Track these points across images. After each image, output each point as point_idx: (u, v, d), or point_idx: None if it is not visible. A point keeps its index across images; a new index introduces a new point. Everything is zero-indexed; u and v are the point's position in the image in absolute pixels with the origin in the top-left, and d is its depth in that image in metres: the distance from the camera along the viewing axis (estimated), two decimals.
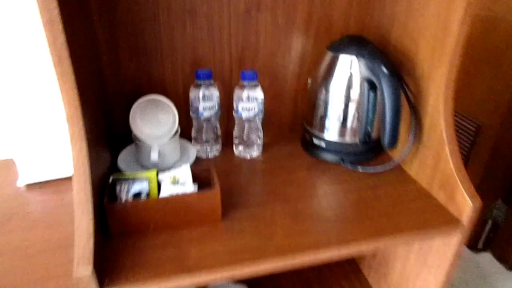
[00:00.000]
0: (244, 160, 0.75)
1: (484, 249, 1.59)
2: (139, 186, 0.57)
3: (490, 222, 1.52)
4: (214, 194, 0.56)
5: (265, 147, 0.78)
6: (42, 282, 0.50)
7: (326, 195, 0.66)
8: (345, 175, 0.71)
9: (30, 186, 0.68)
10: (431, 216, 0.61)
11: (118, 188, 0.57)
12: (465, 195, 0.59)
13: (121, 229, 0.55)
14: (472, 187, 0.60)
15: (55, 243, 0.56)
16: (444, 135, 0.63)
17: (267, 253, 0.52)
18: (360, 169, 0.71)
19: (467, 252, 1.59)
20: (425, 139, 0.67)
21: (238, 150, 0.75)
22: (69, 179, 0.70)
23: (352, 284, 0.92)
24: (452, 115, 0.63)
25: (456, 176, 0.60)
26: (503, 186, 1.49)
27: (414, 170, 0.70)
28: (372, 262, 0.91)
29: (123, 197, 0.56)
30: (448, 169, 0.62)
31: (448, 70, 0.61)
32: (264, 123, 0.76)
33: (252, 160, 0.75)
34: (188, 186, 0.57)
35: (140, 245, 0.53)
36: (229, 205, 0.61)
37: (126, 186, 0.57)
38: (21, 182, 0.68)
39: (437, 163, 0.64)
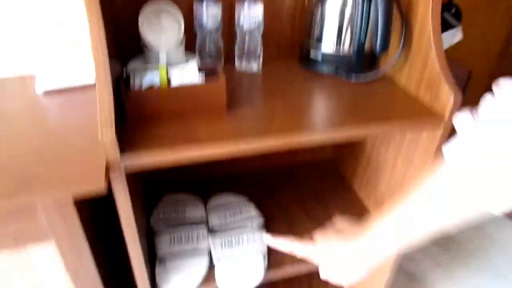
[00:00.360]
0: (245, 73, 0.80)
1: None
2: (151, 79, 0.63)
3: None
4: (220, 83, 0.61)
5: (264, 64, 0.82)
6: (68, 152, 0.55)
7: (322, 98, 0.72)
8: (339, 84, 0.76)
9: (48, 93, 0.72)
10: (419, 111, 0.68)
11: (132, 80, 0.62)
12: (448, 90, 0.65)
13: (136, 115, 0.60)
14: (455, 85, 0.66)
15: (78, 127, 0.61)
16: (432, 39, 0.68)
17: (269, 131, 0.59)
18: (353, 78, 0.76)
19: None
20: (414, 46, 0.72)
21: (239, 63, 0.80)
22: (86, 87, 0.74)
23: (345, 200, 0.99)
24: (439, 22, 0.68)
25: (441, 75, 0.66)
26: None
27: (404, 78, 0.76)
28: (362, 178, 0.98)
29: (137, 87, 0.61)
30: (434, 70, 0.67)
31: None
32: (263, 43, 0.80)
33: (252, 73, 0.80)
34: (195, 78, 0.62)
35: (154, 126, 0.59)
36: (232, 104, 0.66)
37: (139, 79, 0.62)
38: (39, 89, 0.72)
39: (424, 66, 0.70)
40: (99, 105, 0.51)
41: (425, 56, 0.69)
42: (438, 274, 1.40)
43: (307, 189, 1.01)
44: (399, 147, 0.81)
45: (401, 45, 0.73)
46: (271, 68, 0.82)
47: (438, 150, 0.69)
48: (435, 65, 0.67)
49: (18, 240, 0.54)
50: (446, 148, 0.43)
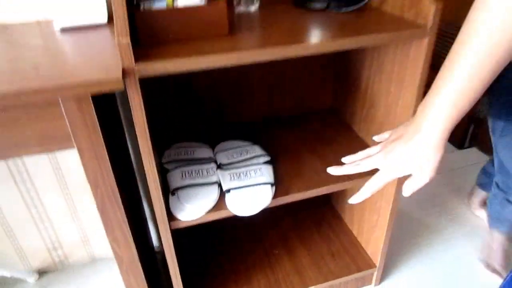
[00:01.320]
0: (243, 13, 0.86)
1: (471, 146, 1.71)
2: (159, 3, 0.68)
3: (474, 118, 1.63)
4: (221, 5, 0.67)
5: (261, 6, 0.88)
6: (87, 64, 0.61)
7: (316, 24, 0.78)
8: (332, 15, 0.82)
9: (65, 30, 0.77)
10: (405, 26, 0.74)
11: (141, 5, 0.68)
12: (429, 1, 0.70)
13: (147, 35, 0.66)
14: None
15: (96, 51, 0.67)
16: None
17: (268, 44, 0.65)
18: (343, 9, 0.82)
19: (454, 150, 1.70)
20: None
21: (238, 7, 0.86)
22: (100, 26, 0.80)
23: (347, 139, 1.04)
24: None
25: None
26: None
27: (389, 6, 0.82)
28: (360, 118, 1.03)
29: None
30: None
31: None
32: None
33: (250, 13, 0.86)
34: (198, 0, 0.68)
35: (164, 45, 0.65)
36: (233, 30, 0.72)
37: (148, 3, 0.68)
38: (57, 25, 0.77)
39: None
40: (115, 18, 0.57)
41: None
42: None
43: (310, 134, 1.06)
44: (390, 74, 0.86)
45: None
46: (268, 8, 0.88)
47: (426, 63, 0.75)
48: None
49: (43, 141, 0.59)
50: None
